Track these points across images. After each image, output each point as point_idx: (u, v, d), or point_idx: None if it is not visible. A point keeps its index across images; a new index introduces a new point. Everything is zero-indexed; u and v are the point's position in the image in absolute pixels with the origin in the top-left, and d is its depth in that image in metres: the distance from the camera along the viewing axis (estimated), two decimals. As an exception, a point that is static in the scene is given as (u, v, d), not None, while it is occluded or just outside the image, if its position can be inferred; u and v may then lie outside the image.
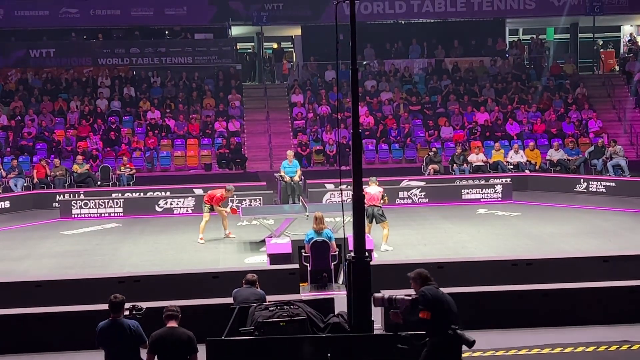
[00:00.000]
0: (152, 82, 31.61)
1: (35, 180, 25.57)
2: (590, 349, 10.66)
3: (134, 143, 28.31)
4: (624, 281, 12.08)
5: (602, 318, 11.51)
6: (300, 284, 13.54)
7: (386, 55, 33.36)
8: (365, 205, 16.02)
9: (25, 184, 25.41)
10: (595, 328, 11.33)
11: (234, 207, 18.89)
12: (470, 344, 7.88)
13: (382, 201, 16.96)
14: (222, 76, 31.85)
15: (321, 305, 10.44)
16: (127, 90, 30.86)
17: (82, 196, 23.58)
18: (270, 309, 9.53)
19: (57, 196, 23.90)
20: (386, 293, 8.71)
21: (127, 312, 9.23)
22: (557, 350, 10.65)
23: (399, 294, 8.57)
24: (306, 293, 13.41)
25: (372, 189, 16.95)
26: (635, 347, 10.62)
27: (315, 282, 14.05)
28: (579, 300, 11.70)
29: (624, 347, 10.69)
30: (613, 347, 10.69)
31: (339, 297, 11.69)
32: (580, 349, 10.65)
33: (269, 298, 10.42)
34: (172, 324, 8.54)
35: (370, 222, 16.63)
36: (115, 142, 28.22)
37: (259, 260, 16.03)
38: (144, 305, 9.68)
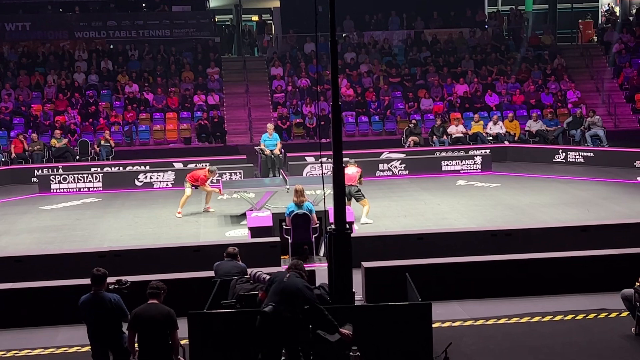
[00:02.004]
0: (129, 56, 31.35)
1: (13, 155, 25.37)
2: (569, 317, 10.79)
3: (113, 117, 28.14)
4: (601, 250, 12.21)
5: (580, 287, 11.64)
6: (282, 257, 13.57)
7: (365, 27, 33.25)
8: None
9: (2, 159, 25.21)
10: (573, 297, 11.46)
11: (220, 188, 18.80)
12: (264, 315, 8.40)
13: (358, 182, 16.92)
14: (200, 49, 31.63)
15: (302, 278, 10.48)
16: (104, 64, 30.59)
17: (60, 171, 23.43)
18: (251, 282, 9.57)
19: (36, 171, 23.75)
20: (259, 271, 9.35)
21: (111, 287, 9.23)
22: (536, 319, 10.77)
23: (265, 274, 9.22)
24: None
25: (350, 170, 16.92)
26: (613, 315, 10.76)
27: (296, 254, 14.08)
28: (557, 269, 11.80)
29: (602, 315, 10.83)
30: (591, 316, 10.82)
31: (320, 269, 11.74)
32: (558, 318, 10.78)
33: (250, 271, 10.45)
34: (153, 301, 8.50)
35: (349, 200, 16.64)
36: (93, 116, 28.03)
37: (240, 234, 16.05)
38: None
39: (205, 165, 19.20)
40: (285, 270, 8.88)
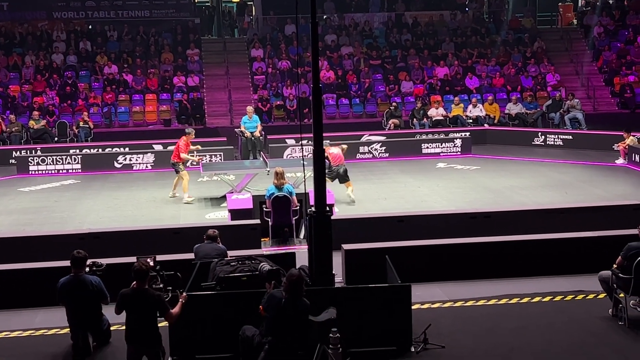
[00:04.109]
0: (108, 36, 31.07)
1: (-10, 136, 25.18)
2: (547, 298, 10.88)
3: (91, 98, 27.92)
4: (580, 233, 12.29)
5: (558, 269, 11.73)
6: (262, 239, 13.57)
7: (346, 9, 33.16)
8: (334, 164, 16.42)
9: (-20, 141, 25.01)
10: (551, 279, 11.54)
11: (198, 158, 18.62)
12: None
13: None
14: (180, 30, 31.41)
15: (283, 260, 10.51)
16: (83, 45, 30.32)
17: (39, 152, 23.27)
18: (231, 264, 9.57)
19: (14, 152, 23.59)
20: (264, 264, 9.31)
21: (87, 269, 9.22)
22: (514, 300, 10.85)
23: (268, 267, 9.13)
24: (267, 248, 13.46)
25: (333, 150, 16.99)
26: (591, 296, 10.86)
27: (276, 237, 14.11)
28: (536, 251, 11.88)
29: (580, 296, 10.93)
30: (568, 297, 10.92)
31: (300, 251, 11.76)
32: (536, 299, 10.86)
33: (230, 253, 10.46)
34: (138, 284, 8.42)
35: (333, 180, 16.69)
36: (72, 98, 27.80)
37: (220, 216, 16.03)
38: (104, 261, 9.70)
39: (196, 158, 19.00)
40: (282, 289, 8.29)
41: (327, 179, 16.20)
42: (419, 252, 11.66)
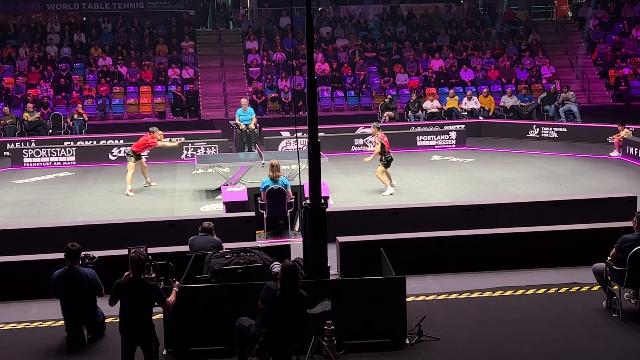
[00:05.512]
0: (102, 28, 30.99)
1: (-15, 129, 25.10)
2: (541, 291, 10.91)
3: (86, 90, 27.86)
4: (574, 225, 12.32)
5: (552, 261, 11.75)
6: (257, 232, 13.58)
7: (341, 1, 33.12)
8: (388, 150, 16.89)
9: (-26, 133, 24.93)
10: (546, 271, 11.57)
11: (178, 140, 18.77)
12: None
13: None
14: (174, 22, 31.33)
15: (277, 252, 10.52)
16: (77, 37, 30.24)
17: (33, 145, 23.19)
18: (226, 256, 9.57)
19: (8, 145, 23.49)
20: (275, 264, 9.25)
21: (80, 261, 9.21)
22: (509, 293, 10.87)
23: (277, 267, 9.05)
24: (262, 240, 13.46)
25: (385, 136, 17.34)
26: (585, 289, 10.89)
27: (271, 229, 14.11)
28: (530, 243, 11.90)
29: (574, 289, 10.95)
30: (563, 289, 10.94)
31: (295, 244, 11.76)
32: (531, 291, 10.89)
33: (225, 246, 10.46)
34: (135, 274, 8.36)
35: (387, 166, 17.09)
36: (66, 90, 27.73)
37: (215, 208, 16.02)
38: (99, 254, 9.69)
39: (179, 139, 19.10)
40: (278, 282, 8.21)
41: (381, 166, 16.77)
42: (414, 245, 11.68)
